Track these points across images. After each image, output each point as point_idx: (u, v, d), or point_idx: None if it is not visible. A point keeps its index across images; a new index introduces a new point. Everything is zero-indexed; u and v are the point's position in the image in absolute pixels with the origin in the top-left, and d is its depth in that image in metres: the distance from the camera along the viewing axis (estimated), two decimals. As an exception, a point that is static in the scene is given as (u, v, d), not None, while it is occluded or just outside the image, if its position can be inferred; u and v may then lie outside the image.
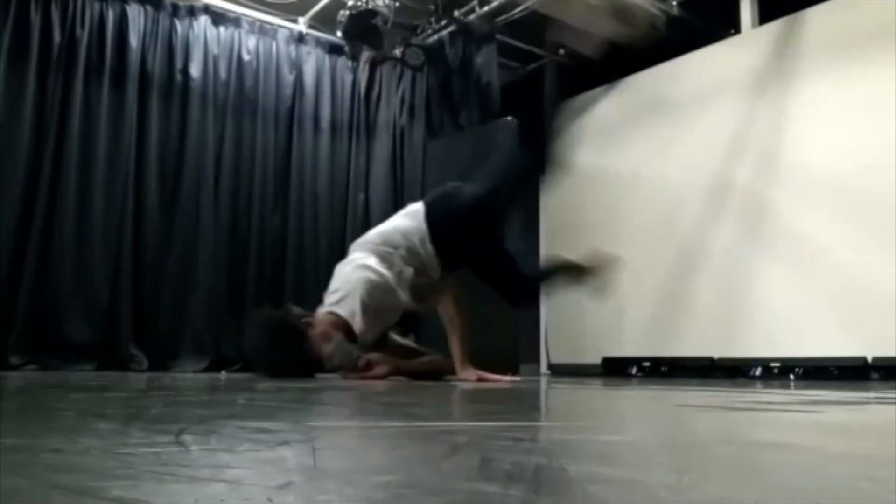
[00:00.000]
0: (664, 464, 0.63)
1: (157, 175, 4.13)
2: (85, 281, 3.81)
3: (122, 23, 4.09)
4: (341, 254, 4.78)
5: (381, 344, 2.82)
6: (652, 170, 4.58)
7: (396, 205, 4.93)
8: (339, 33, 4.51)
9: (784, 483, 0.53)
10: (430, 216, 2.80)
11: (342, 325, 2.59)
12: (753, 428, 1.11)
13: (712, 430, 1.04)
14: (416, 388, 2.20)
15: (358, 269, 2.68)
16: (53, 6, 3.88)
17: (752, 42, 4.19)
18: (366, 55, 4.90)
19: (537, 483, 0.50)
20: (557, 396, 1.96)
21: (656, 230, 4.48)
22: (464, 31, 4.93)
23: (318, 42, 4.82)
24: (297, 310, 2.82)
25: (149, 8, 4.19)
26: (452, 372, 2.81)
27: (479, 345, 4.26)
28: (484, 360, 4.09)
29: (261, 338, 2.72)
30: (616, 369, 4.55)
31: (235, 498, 0.43)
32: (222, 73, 4.40)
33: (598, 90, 5.09)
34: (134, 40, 4.10)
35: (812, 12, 3.88)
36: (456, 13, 4.85)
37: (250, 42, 4.54)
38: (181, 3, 4.31)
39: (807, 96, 3.84)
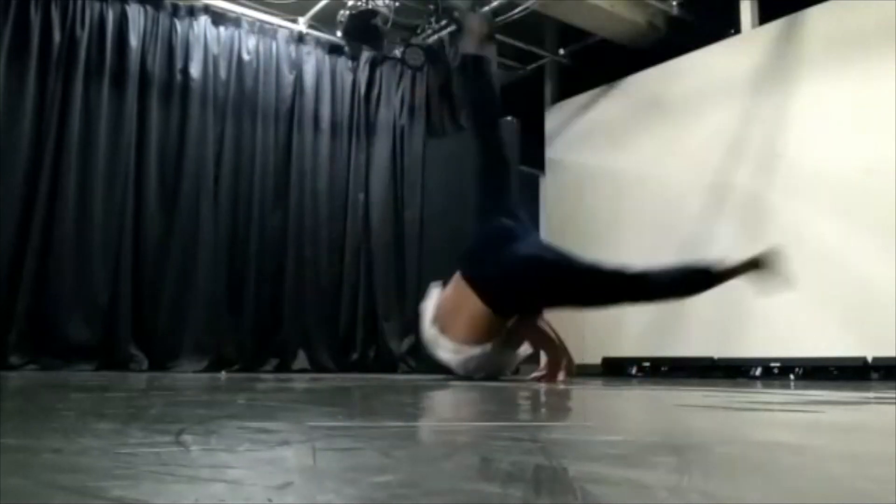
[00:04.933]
0: (664, 464, 0.63)
1: (157, 175, 4.13)
2: (85, 281, 3.81)
3: (122, 23, 4.09)
4: (341, 253, 4.82)
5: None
6: (652, 169, 4.58)
7: (396, 205, 4.95)
8: (339, 33, 4.51)
9: (784, 483, 0.53)
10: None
11: None
12: (753, 428, 1.11)
13: (712, 430, 1.04)
14: (417, 388, 2.20)
15: None
16: (53, 6, 3.87)
17: (752, 42, 4.19)
18: (366, 55, 4.90)
19: (537, 483, 0.50)
20: (557, 396, 1.96)
21: (656, 230, 4.48)
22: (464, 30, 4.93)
23: (318, 42, 4.81)
24: None
25: (149, 8, 4.19)
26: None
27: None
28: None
29: None
30: (616, 369, 4.54)
31: (235, 498, 0.43)
32: (222, 73, 4.40)
33: (597, 90, 5.09)
34: (134, 40, 4.09)
35: (812, 12, 3.88)
36: (456, 13, 4.85)
37: (250, 42, 4.54)
38: (181, 3, 4.31)
39: (807, 96, 3.84)
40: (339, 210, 4.76)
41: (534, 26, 5.04)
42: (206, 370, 3.97)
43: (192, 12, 4.34)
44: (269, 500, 0.42)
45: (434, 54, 5.03)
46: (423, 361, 4.61)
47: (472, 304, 2.73)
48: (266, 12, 4.62)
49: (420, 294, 4.81)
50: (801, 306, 3.70)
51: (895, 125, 3.42)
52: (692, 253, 4.25)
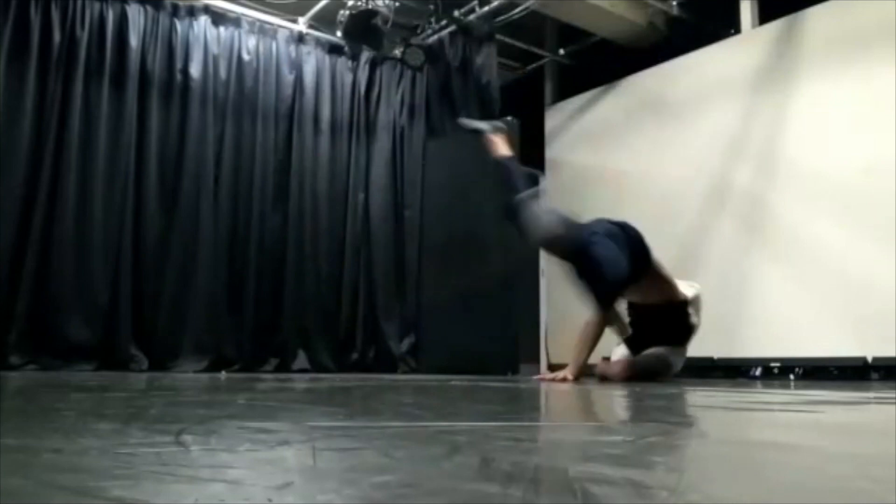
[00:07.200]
0: (664, 464, 0.63)
1: (157, 175, 4.13)
2: (85, 281, 3.81)
3: (122, 23, 4.09)
4: (341, 253, 4.83)
5: None
6: (652, 169, 4.58)
7: (396, 205, 4.94)
8: (339, 33, 4.51)
9: (784, 483, 0.53)
10: None
11: None
12: (753, 428, 1.11)
13: (712, 430, 1.04)
14: (417, 388, 2.20)
15: None
16: (53, 6, 3.87)
17: (752, 42, 4.19)
18: (366, 55, 4.90)
19: (537, 483, 0.50)
20: (557, 396, 1.96)
21: (656, 230, 4.47)
22: (464, 31, 4.93)
23: (318, 42, 4.81)
24: None
25: (149, 8, 4.19)
26: None
27: (478, 344, 4.28)
28: (484, 359, 4.11)
29: None
30: (616, 369, 4.53)
31: (235, 498, 0.43)
32: (222, 73, 4.40)
33: (597, 90, 5.09)
34: (134, 40, 4.09)
35: (812, 12, 3.88)
36: (456, 13, 4.85)
37: (250, 42, 4.54)
38: (181, 3, 4.31)
39: (807, 96, 3.84)
40: (339, 210, 4.76)
41: (534, 26, 5.04)
42: (206, 370, 3.97)
43: (192, 12, 4.34)
44: (269, 500, 0.42)
45: (434, 54, 5.03)
46: (423, 361, 4.62)
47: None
48: (266, 12, 4.62)
49: (419, 293, 4.83)
50: (801, 306, 3.70)
51: (895, 125, 3.42)
52: (692, 253, 4.25)
